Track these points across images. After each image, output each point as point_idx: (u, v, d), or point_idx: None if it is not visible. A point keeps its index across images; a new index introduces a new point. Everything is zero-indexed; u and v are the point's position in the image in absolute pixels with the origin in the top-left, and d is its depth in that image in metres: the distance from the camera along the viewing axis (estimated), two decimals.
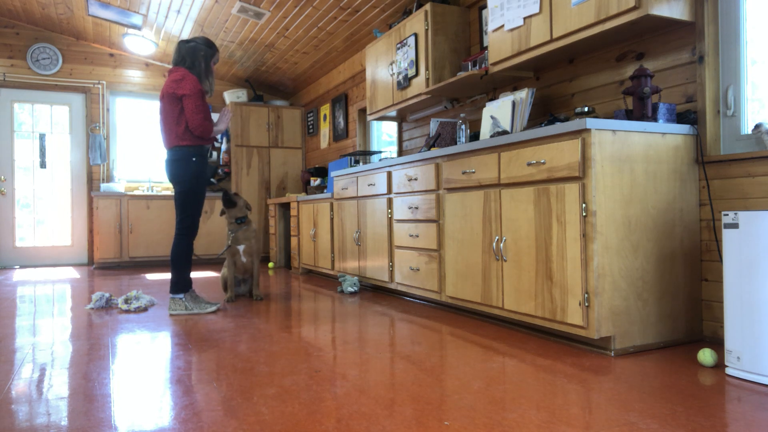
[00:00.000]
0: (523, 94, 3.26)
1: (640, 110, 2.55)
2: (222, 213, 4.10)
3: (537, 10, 2.99)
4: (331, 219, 5.20)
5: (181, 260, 3.50)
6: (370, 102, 4.95)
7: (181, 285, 3.51)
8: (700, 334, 2.62)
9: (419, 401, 1.83)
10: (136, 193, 6.87)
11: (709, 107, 2.59)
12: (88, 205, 7.19)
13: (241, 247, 4.02)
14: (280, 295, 4.32)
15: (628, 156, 2.44)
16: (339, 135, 6.60)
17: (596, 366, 2.22)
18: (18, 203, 6.92)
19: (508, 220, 2.82)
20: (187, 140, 3.48)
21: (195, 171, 3.49)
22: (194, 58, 3.59)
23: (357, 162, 5.74)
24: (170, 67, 3.51)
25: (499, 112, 3.37)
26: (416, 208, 3.64)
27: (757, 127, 2.40)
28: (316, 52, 6.22)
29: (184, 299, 3.52)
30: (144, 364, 2.36)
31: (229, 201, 4.00)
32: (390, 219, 4.03)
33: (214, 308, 3.55)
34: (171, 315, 3.47)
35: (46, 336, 2.93)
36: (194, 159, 3.49)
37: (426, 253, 3.56)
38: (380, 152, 5.34)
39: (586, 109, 2.71)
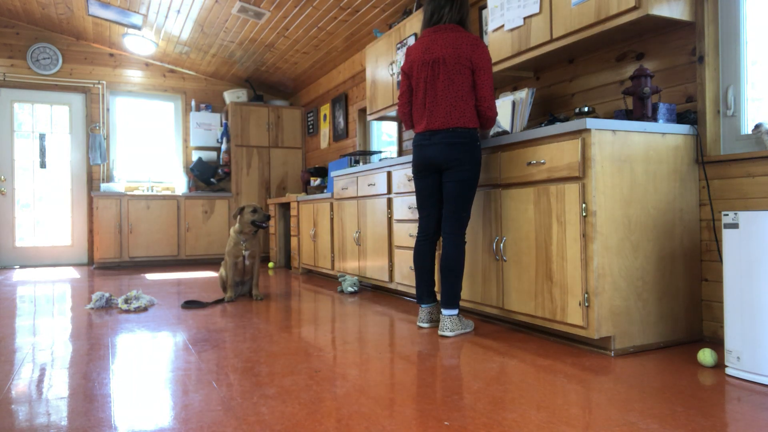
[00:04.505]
0: (523, 94, 3.26)
1: (640, 110, 2.55)
2: (236, 215, 4.09)
3: (537, 10, 2.99)
4: (331, 219, 5.20)
5: (462, 268, 2.83)
6: (370, 102, 4.95)
7: (458, 299, 2.84)
8: (700, 334, 2.62)
9: (419, 401, 1.83)
10: (136, 193, 6.87)
11: (709, 107, 2.59)
12: (88, 205, 7.19)
13: (246, 252, 4.04)
14: (280, 295, 4.32)
15: (628, 156, 2.44)
16: (339, 135, 6.60)
17: (596, 366, 2.22)
18: (18, 203, 6.92)
19: (508, 220, 2.82)
20: (474, 122, 2.79)
21: (480, 158, 2.84)
22: (468, 16, 2.89)
23: (357, 162, 5.74)
24: (428, 27, 2.88)
25: (499, 112, 3.37)
26: (416, 208, 3.64)
27: (757, 127, 2.40)
28: (316, 52, 6.22)
29: (459, 317, 2.84)
30: (144, 364, 2.36)
31: (268, 218, 4.10)
32: (390, 219, 4.03)
33: (473, 326, 2.93)
34: (447, 337, 2.78)
35: (46, 336, 2.93)
36: (478, 144, 2.82)
37: None
38: (380, 152, 5.34)
39: (586, 109, 2.71)
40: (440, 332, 2.80)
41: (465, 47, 2.75)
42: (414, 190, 3.66)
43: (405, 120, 3.04)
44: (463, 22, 2.86)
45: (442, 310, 2.84)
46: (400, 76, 2.96)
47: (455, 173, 2.80)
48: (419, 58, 2.85)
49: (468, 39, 2.77)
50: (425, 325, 3.01)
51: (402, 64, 2.95)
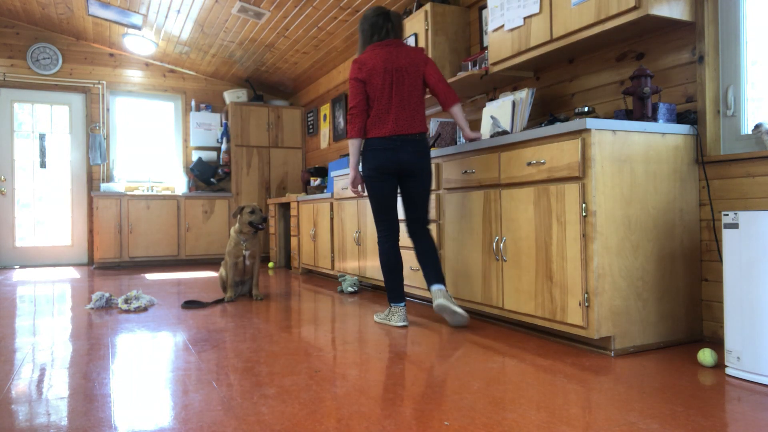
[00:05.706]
0: (523, 94, 3.26)
1: (640, 110, 2.55)
2: (235, 215, 4.09)
3: (537, 10, 2.99)
4: (331, 219, 5.20)
5: None
6: None
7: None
8: (700, 334, 2.62)
9: (419, 401, 1.83)
10: (136, 193, 6.87)
11: (709, 107, 2.59)
12: (88, 205, 7.19)
13: (247, 252, 4.05)
14: (280, 295, 4.32)
15: (628, 156, 2.44)
16: (339, 135, 6.60)
17: (596, 366, 2.22)
18: (18, 203, 6.92)
19: (508, 220, 2.82)
20: (425, 126, 3.04)
21: None
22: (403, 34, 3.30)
23: None
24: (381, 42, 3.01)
25: (499, 112, 3.37)
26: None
27: (757, 127, 2.40)
28: (316, 52, 6.22)
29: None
30: (144, 364, 2.36)
31: (265, 220, 4.15)
32: None
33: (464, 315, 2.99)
34: (459, 313, 2.90)
35: (46, 336, 2.93)
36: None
37: None
38: None
39: (586, 109, 2.71)
40: (453, 307, 2.89)
41: (419, 60, 3.03)
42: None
43: (358, 127, 2.98)
44: (402, 38, 3.14)
45: (437, 285, 2.96)
46: (349, 84, 3.06)
47: (421, 178, 3.04)
48: (380, 66, 2.97)
49: (418, 52, 3.06)
50: (405, 324, 3.04)
51: (354, 73, 3.01)
